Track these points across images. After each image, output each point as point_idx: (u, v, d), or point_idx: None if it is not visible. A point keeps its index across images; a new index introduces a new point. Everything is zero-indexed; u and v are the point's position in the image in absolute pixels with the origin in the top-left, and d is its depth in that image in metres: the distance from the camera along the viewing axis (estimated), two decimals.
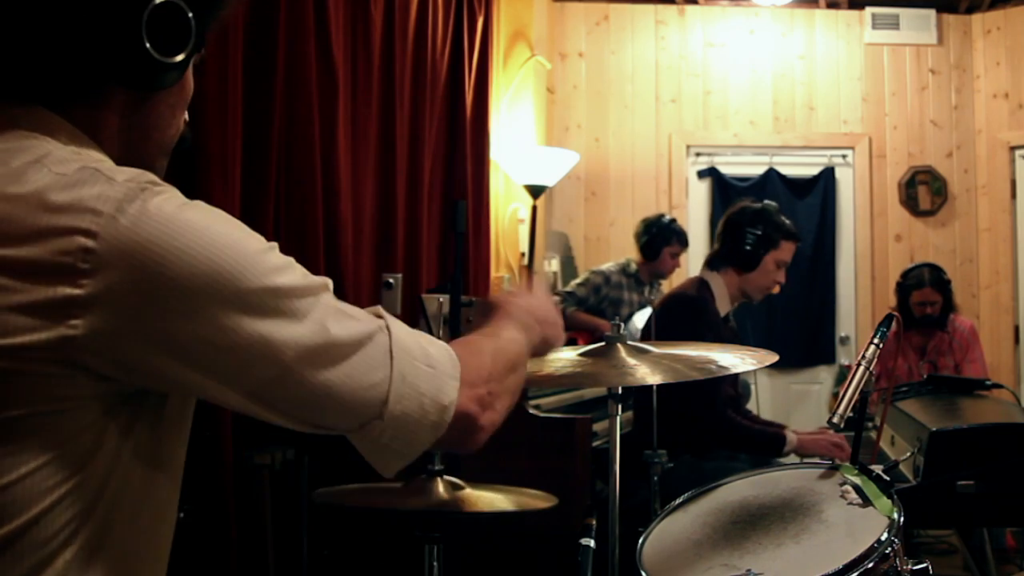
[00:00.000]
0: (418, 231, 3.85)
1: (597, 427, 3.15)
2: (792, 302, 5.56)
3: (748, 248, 3.00)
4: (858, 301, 5.95)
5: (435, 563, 1.78)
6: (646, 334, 3.22)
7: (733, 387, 3.16)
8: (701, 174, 6.04)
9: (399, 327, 0.96)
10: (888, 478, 1.60)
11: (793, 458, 2.84)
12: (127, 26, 0.90)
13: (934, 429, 2.41)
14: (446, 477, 1.79)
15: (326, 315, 0.89)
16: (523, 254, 5.09)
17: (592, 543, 1.65)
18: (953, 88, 6.00)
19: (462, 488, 1.78)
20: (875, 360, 1.70)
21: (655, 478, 2.26)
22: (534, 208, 4.85)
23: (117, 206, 0.82)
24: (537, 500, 1.80)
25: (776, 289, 3.09)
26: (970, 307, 5.67)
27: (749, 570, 1.41)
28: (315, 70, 3.07)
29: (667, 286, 4.95)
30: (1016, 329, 5.83)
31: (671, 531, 1.65)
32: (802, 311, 5.87)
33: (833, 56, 6.04)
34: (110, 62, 0.91)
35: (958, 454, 2.35)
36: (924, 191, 5.94)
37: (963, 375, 4.15)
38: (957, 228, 5.96)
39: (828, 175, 5.99)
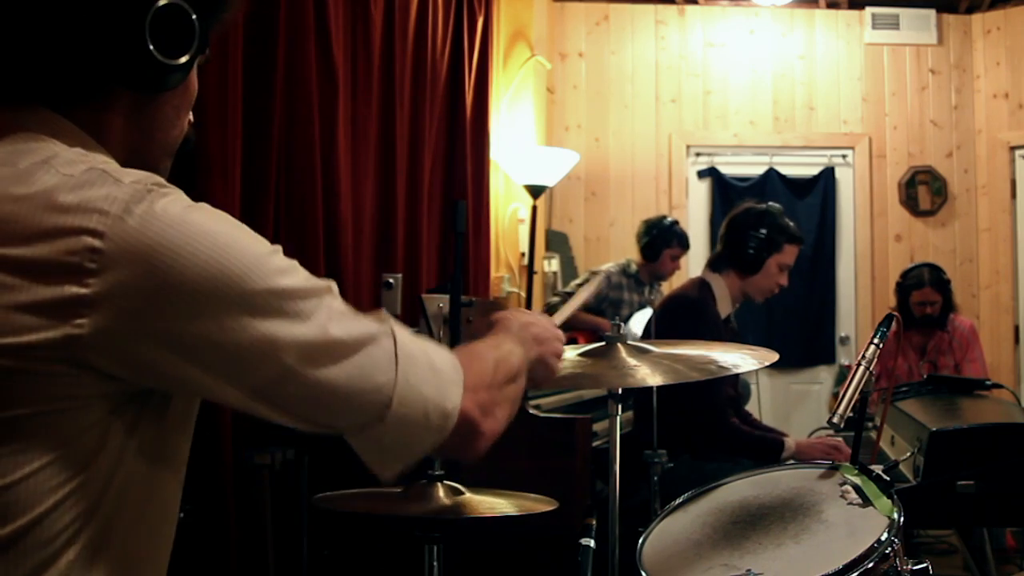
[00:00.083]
0: (418, 231, 3.85)
1: (597, 427, 3.15)
2: (792, 302, 5.56)
3: (751, 251, 2.98)
4: (858, 301, 5.95)
5: (435, 563, 1.78)
6: (646, 335, 3.21)
7: (733, 387, 3.16)
8: (701, 174, 6.04)
9: (403, 332, 0.96)
10: (888, 478, 1.60)
11: None
12: (131, 28, 0.91)
13: (934, 429, 2.41)
14: (446, 482, 1.79)
15: (329, 316, 0.89)
16: (523, 254, 5.10)
17: (592, 543, 1.66)
18: (953, 88, 6.00)
19: (462, 493, 1.78)
20: (875, 360, 1.71)
21: (655, 478, 2.26)
22: (534, 208, 4.85)
23: (124, 207, 0.83)
24: (538, 504, 1.79)
25: (777, 290, 3.09)
26: (970, 307, 5.67)
27: (749, 570, 1.41)
28: (315, 70, 3.07)
29: (667, 287, 4.95)
30: (1016, 329, 5.83)
31: (671, 531, 1.65)
32: (802, 311, 5.87)
33: (833, 56, 6.04)
34: (114, 64, 0.92)
35: (958, 454, 2.35)
36: (924, 191, 5.94)
37: (963, 374, 4.15)
38: (957, 228, 5.96)
39: (828, 175, 5.99)
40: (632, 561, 1.57)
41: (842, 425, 1.65)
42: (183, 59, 0.95)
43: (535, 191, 4.82)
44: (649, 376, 1.70)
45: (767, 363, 1.78)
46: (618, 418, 1.84)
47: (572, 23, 6.02)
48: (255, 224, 0.93)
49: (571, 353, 1.81)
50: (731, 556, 1.49)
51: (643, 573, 1.52)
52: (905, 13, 5.95)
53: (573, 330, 4.76)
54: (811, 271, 5.87)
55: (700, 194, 6.04)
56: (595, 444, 3.06)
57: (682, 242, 4.87)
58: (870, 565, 1.37)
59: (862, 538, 1.42)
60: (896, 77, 6.01)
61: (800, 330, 5.90)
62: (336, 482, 2.00)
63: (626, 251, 5.19)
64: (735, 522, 1.61)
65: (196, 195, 0.89)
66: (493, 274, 4.73)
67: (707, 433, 2.88)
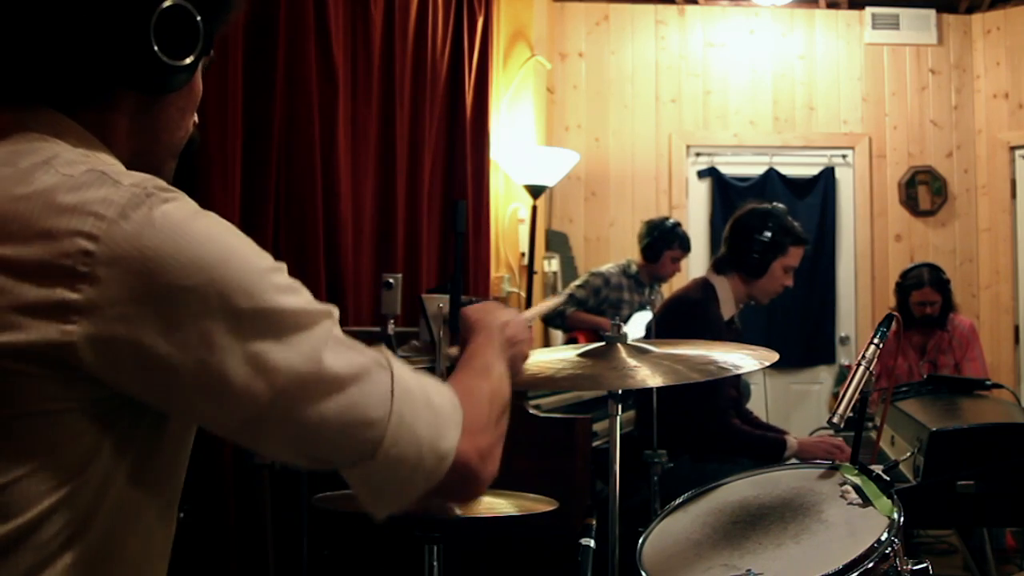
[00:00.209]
0: (418, 231, 3.85)
1: (597, 427, 3.15)
2: (792, 302, 5.55)
3: (755, 256, 2.95)
4: (858, 301, 5.95)
5: (435, 563, 1.78)
6: (647, 336, 3.21)
7: (735, 388, 3.15)
8: (701, 174, 6.04)
9: (402, 367, 0.92)
10: (888, 478, 1.60)
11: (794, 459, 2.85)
12: (136, 29, 0.90)
13: (934, 429, 2.41)
14: None
15: (325, 344, 0.86)
16: (523, 254, 5.10)
17: (592, 543, 1.66)
18: (953, 88, 6.00)
19: None
20: (875, 360, 1.71)
21: (655, 478, 2.26)
22: (534, 208, 4.85)
23: (120, 211, 0.82)
24: (538, 504, 1.79)
25: (782, 291, 3.08)
26: (970, 307, 5.67)
27: (749, 570, 1.41)
28: (315, 70, 3.07)
29: (667, 289, 4.94)
30: (1016, 329, 5.83)
31: (671, 531, 1.65)
32: (802, 311, 5.87)
33: (833, 56, 6.04)
34: (119, 65, 0.91)
35: (958, 454, 2.35)
36: (924, 191, 5.94)
37: (963, 373, 4.15)
38: (957, 228, 5.96)
39: (828, 175, 5.99)
40: (632, 561, 1.57)
41: (842, 425, 1.65)
42: (188, 60, 0.95)
43: (535, 191, 4.82)
44: (649, 377, 1.70)
45: (767, 363, 1.77)
46: (618, 418, 1.84)
47: (572, 23, 6.02)
48: (255, 224, 0.93)
49: (571, 353, 1.81)
50: (731, 556, 1.49)
51: (643, 573, 1.52)
52: (905, 13, 5.95)
53: (574, 329, 4.77)
54: (811, 271, 5.86)
55: (700, 194, 6.04)
56: (595, 444, 3.05)
57: (683, 244, 4.87)
58: (870, 565, 1.37)
59: (862, 538, 1.43)
60: (896, 77, 6.01)
61: (800, 330, 5.90)
62: (336, 482, 1.99)
63: (626, 251, 5.19)
64: (735, 522, 1.61)
65: (196, 195, 0.88)
66: (493, 274, 4.73)
67: (709, 434, 2.87)
